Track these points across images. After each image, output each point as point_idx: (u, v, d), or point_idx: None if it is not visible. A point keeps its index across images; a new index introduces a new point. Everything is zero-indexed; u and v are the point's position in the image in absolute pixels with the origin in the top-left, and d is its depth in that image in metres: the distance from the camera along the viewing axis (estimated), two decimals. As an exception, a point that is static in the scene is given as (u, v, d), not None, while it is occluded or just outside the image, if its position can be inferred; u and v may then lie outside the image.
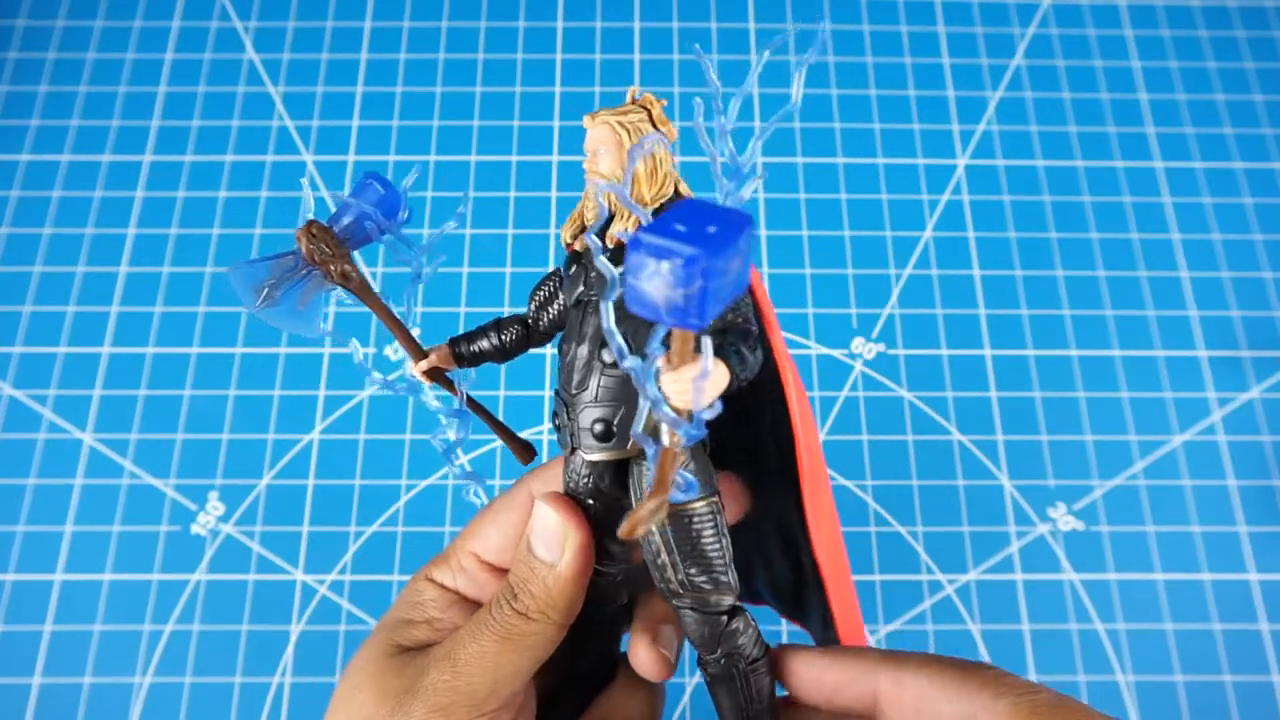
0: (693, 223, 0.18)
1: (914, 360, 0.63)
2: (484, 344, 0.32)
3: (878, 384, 0.62)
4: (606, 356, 0.28)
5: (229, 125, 0.69)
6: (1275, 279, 0.66)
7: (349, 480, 0.59)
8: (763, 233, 0.66)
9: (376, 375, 0.34)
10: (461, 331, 0.34)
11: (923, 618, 0.56)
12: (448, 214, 0.67)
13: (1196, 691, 0.55)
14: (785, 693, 0.30)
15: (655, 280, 0.18)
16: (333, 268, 0.30)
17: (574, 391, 0.29)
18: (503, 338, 0.32)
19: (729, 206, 0.20)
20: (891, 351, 0.63)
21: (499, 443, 0.61)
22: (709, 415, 0.22)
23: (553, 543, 0.29)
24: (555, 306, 0.31)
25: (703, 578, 0.28)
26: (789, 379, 0.29)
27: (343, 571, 0.57)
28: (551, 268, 0.33)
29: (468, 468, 0.32)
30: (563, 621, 0.29)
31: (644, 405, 0.22)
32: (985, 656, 0.55)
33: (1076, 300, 0.65)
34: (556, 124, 0.70)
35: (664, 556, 0.28)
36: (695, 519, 0.28)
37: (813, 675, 0.28)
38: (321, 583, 0.57)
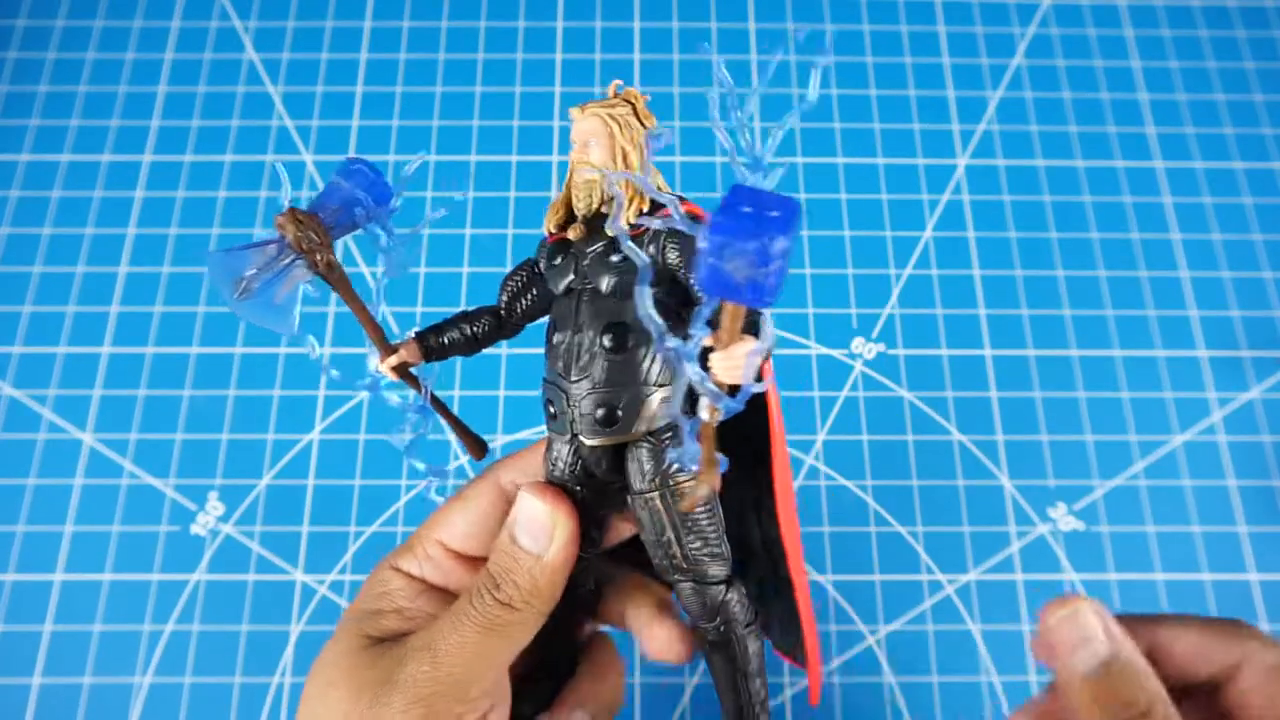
0: (756, 208, 0.20)
1: (914, 360, 0.63)
2: (454, 335, 0.32)
3: (878, 384, 0.62)
4: (608, 342, 0.28)
5: (229, 125, 0.69)
6: (1275, 279, 0.66)
7: (349, 480, 0.59)
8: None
9: (335, 373, 0.34)
10: (439, 321, 0.34)
11: (923, 618, 0.56)
12: (448, 214, 0.67)
13: (1196, 691, 0.55)
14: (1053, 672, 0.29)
15: (738, 260, 0.20)
16: (319, 257, 0.28)
17: (573, 379, 0.29)
18: (474, 329, 0.32)
19: (780, 193, 0.21)
20: (891, 351, 0.63)
21: (499, 442, 0.61)
22: (758, 388, 0.23)
23: (540, 533, 0.29)
24: (529, 297, 0.32)
25: (704, 551, 0.29)
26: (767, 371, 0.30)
27: (343, 571, 0.57)
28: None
29: (424, 465, 0.32)
30: (545, 610, 0.30)
31: (680, 385, 0.23)
32: (985, 657, 0.55)
33: (1076, 300, 0.65)
34: (556, 124, 0.70)
35: (669, 534, 0.29)
36: (708, 496, 0.30)
37: (1187, 641, 0.30)
38: (321, 583, 0.57)
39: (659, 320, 0.22)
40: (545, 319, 0.33)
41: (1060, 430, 0.61)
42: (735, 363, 0.23)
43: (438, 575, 0.33)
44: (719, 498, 0.31)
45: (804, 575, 0.31)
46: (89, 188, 0.67)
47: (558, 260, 0.30)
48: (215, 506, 0.58)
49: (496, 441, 0.60)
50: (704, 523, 0.29)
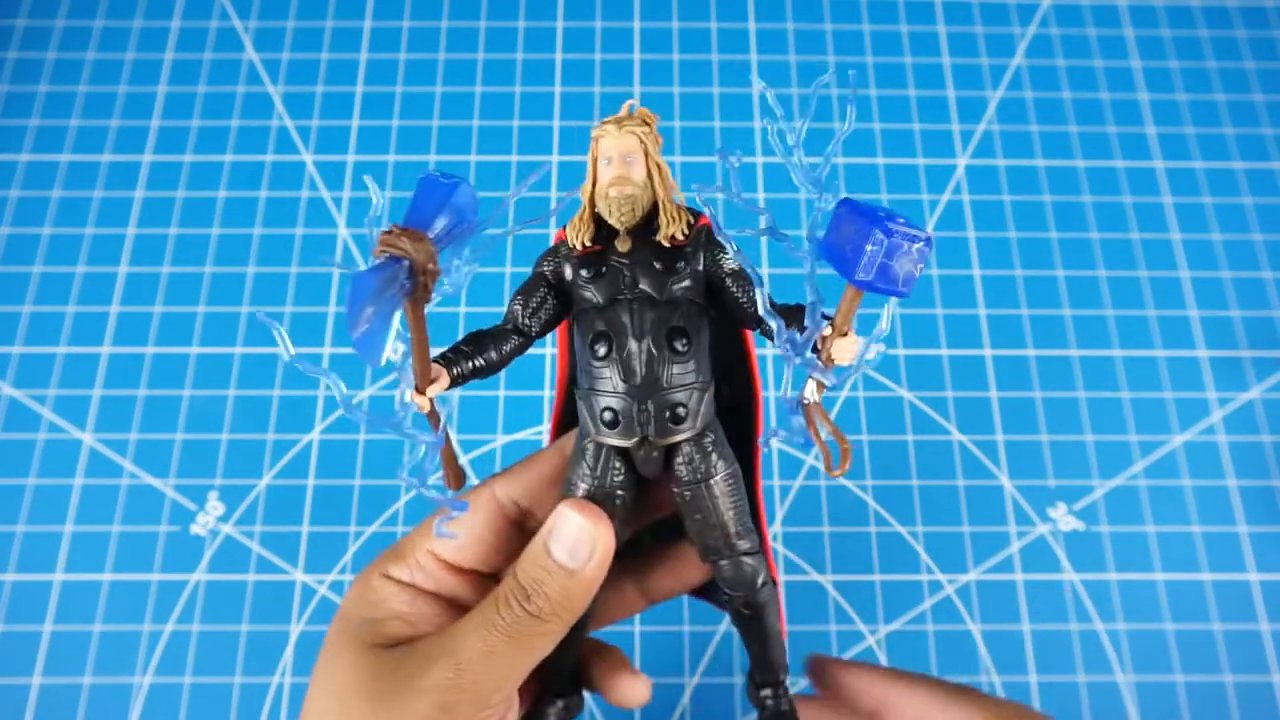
0: (890, 217, 0.24)
1: (914, 360, 0.63)
2: (480, 361, 0.32)
3: (878, 384, 0.62)
4: (681, 346, 0.30)
5: (228, 125, 0.69)
6: (1275, 279, 0.66)
7: (349, 480, 0.59)
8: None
9: (362, 410, 0.31)
10: (458, 345, 0.33)
11: (923, 618, 0.56)
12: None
13: (1196, 691, 0.55)
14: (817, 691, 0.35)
15: (905, 259, 0.24)
16: (432, 284, 0.27)
17: (642, 384, 0.30)
18: (504, 350, 0.32)
19: (880, 204, 0.26)
20: (891, 351, 0.63)
21: (499, 442, 0.61)
22: (857, 368, 0.28)
23: (578, 548, 0.29)
24: (547, 310, 0.32)
25: (744, 529, 0.32)
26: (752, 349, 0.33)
27: (343, 571, 0.57)
28: (536, 269, 0.33)
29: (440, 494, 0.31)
30: (571, 622, 0.30)
31: (789, 373, 0.28)
32: (985, 657, 0.55)
33: (1076, 300, 0.65)
34: (556, 124, 0.70)
35: (727, 515, 0.31)
36: (738, 479, 0.32)
37: (850, 680, 0.34)
38: (321, 583, 0.57)
39: (779, 317, 0.28)
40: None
41: (1060, 430, 0.61)
42: (854, 348, 0.28)
43: (430, 583, 0.32)
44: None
45: (768, 538, 0.34)
46: (89, 188, 0.67)
47: (602, 271, 0.31)
48: (215, 506, 0.58)
49: (497, 442, 0.60)
50: (743, 503, 0.32)
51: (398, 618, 0.31)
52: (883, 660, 0.55)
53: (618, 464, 0.31)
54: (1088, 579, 0.57)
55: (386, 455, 0.60)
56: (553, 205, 0.32)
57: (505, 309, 0.32)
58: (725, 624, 0.56)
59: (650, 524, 0.36)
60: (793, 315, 0.29)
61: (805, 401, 0.29)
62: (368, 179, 0.25)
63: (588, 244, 0.31)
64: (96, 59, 0.71)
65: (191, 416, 0.60)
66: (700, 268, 0.31)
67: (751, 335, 0.34)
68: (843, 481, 0.60)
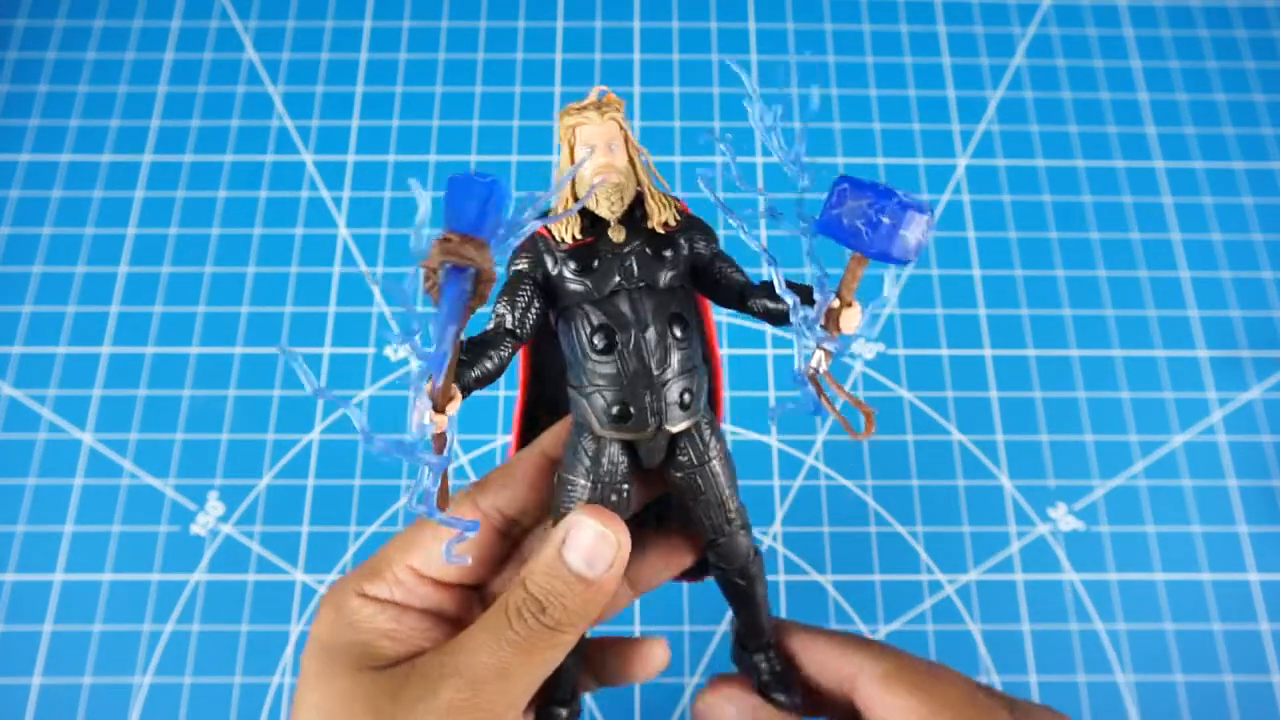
0: (893, 191, 0.26)
1: (914, 360, 0.63)
2: (479, 371, 0.30)
3: (878, 384, 0.62)
4: (679, 332, 0.30)
5: (228, 125, 0.69)
6: (1275, 279, 0.66)
7: (349, 480, 0.59)
8: (763, 233, 0.66)
9: (382, 441, 0.27)
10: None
11: (923, 618, 0.56)
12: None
13: (1196, 691, 0.55)
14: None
15: (915, 229, 0.27)
16: (488, 291, 0.25)
17: (655, 372, 0.30)
18: (501, 356, 0.30)
19: (877, 179, 0.28)
20: (891, 351, 0.63)
21: (498, 442, 0.61)
22: (859, 336, 0.30)
23: (596, 557, 0.28)
24: (535, 309, 0.31)
25: (738, 503, 0.33)
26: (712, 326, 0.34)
27: (342, 571, 0.57)
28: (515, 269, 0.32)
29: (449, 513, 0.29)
30: (587, 630, 0.29)
31: (800, 346, 0.29)
32: (985, 657, 0.55)
33: (1076, 300, 0.65)
34: (556, 124, 0.70)
35: (727, 492, 0.32)
36: (730, 454, 0.33)
37: (814, 654, 0.34)
38: (321, 583, 0.57)
39: (793, 295, 0.29)
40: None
41: (1060, 430, 0.61)
42: (858, 317, 0.30)
43: (412, 599, 0.31)
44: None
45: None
46: (89, 188, 0.67)
47: (595, 264, 0.30)
48: (215, 506, 0.58)
49: (497, 442, 0.60)
50: (734, 476, 0.33)
51: (386, 636, 0.29)
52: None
53: (620, 457, 0.31)
54: (1088, 579, 0.57)
55: (386, 456, 0.60)
56: (577, 193, 0.30)
57: (491, 313, 0.31)
58: (725, 624, 0.56)
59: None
60: (797, 292, 0.30)
61: (815, 372, 0.30)
62: (413, 182, 0.23)
63: (579, 236, 0.30)
64: (96, 59, 0.71)
65: (191, 416, 0.60)
66: (687, 252, 0.31)
67: (708, 302, 0.34)
68: (843, 481, 0.60)
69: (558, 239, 0.30)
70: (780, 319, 0.31)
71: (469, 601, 0.32)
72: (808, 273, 0.30)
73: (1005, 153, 0.70)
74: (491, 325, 0.30)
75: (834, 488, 0.59)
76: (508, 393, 0.62)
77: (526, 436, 0.35)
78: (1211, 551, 0.58)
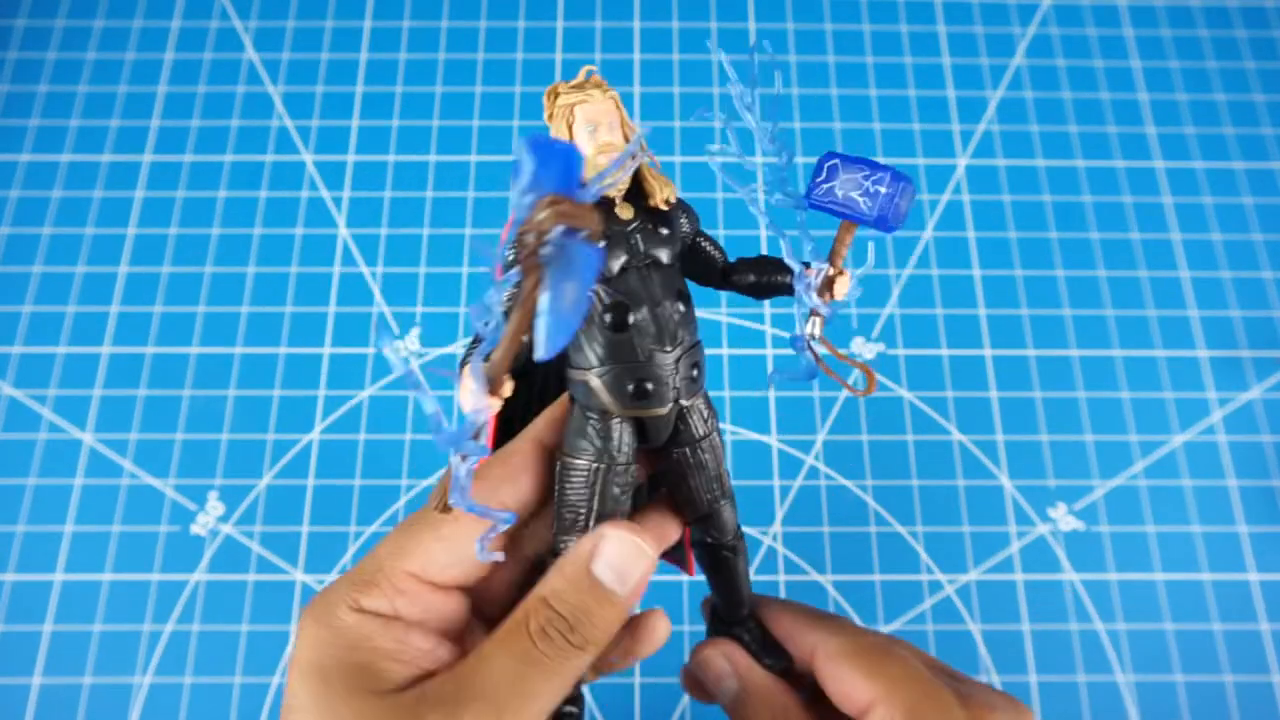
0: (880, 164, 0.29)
1: (914, 360, 0.63)
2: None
3: (878, 384, 0.62)
4: (683, 307, 0.31)
5: (228, 125, 0.69)
6: (1275, 279, 0.66)
7: (349, 480, 0.59)
8: (762, 232, 0.66)
9: (451, 430, 0.25)
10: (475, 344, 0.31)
11: (923, 618, 0.56)
12: (447, 214, 0.67)
13: (1196, 691, 0.55)
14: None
15: (905, 199, 0.29)
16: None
17: (668, 348, 0.30)
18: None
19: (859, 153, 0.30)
20: (891, 351, 0.63)
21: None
22: (848, 300, 0.32)
23: (629, 573, 0.27)
24: None
25: (727, 474, 0.33)
26: None
27: (342, 571, 0.57)
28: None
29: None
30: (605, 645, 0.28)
31: (803, 313, 0.31)
32: (985, 656, 0.55)
33: (1076, 300, 0.65)
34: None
35: (721, 468, 0.32)
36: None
37: (781, 627, 0.34)
38: (321, 583, 0.57)
39: (798, 264, 0.31)
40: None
41: (1060, 430, 0.61)
42: (848, 283, 0.31)
43: (415, 611, 0.28)
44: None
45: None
46: (89, 188, 0.67)
47: (602, 243, 0.30)
48: (215, 506, 0.58)
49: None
50: (722, 448, 0.33)
51: (389, 657, 0.27)
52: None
53: (629, 437, 0.30)
54: (1088, 579, 0.57)
55: (386, 455, 0.60)
56: (634, 155, 0.28)
57: (502, 297, 0.30)
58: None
59: None
60: (772, 264, 0.32)
61: (810, 337, 0.31)
62: (521, 145, 0.21)
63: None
64: (96, 59, 0.71)
65: (191, 416, 0.60)
66: (684, 231, 0.32)
67: None
68: (843, 481, 0.60)
69: None
70: (763, 291, 0.32)
71: (466, 612, 0.31)
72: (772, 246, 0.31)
73: (1005, 153, 0.70)
74: (508, 307, 0.30)
75: (834, 488, 0.59)
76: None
77: (501, 433, 0.34)
78: (1211, 551, 0.58)
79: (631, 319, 0.30)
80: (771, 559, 0.58)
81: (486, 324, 0.23)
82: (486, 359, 0.24)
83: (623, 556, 0.27)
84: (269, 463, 0.59)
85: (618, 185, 0.30)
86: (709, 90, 0.71)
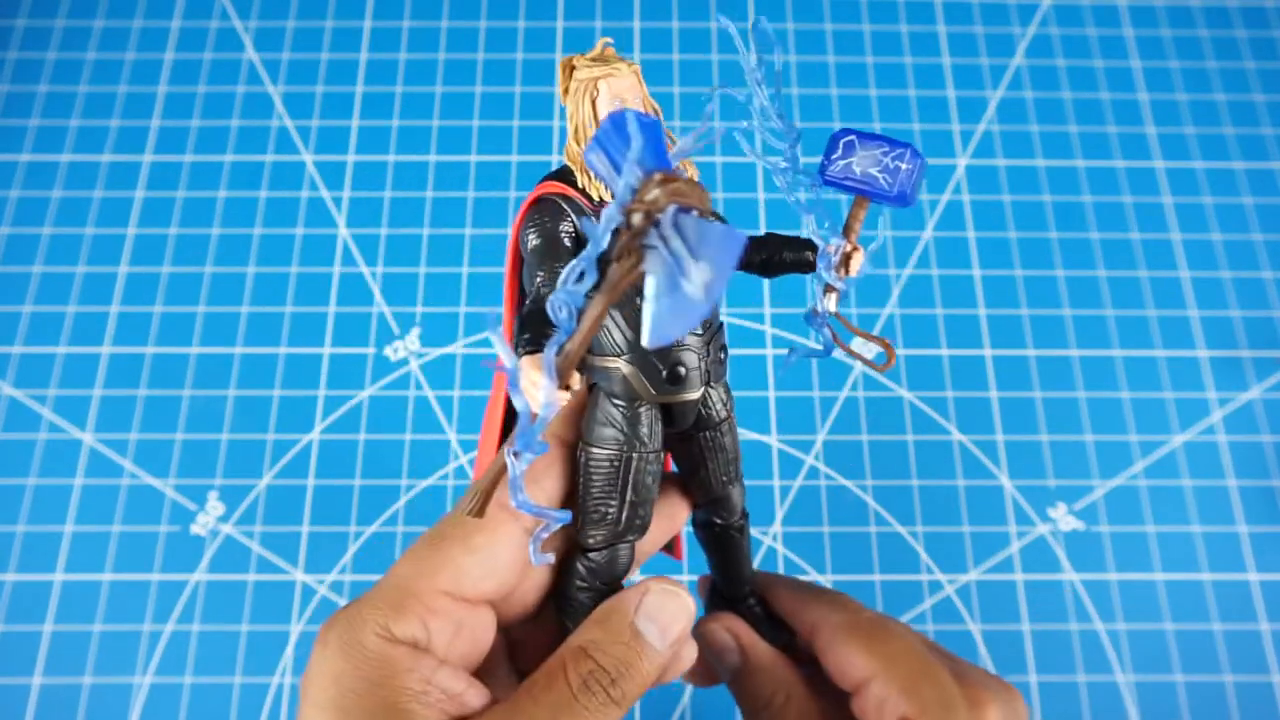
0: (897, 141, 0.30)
1: (914, 360, 0.63)
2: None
3: (878, 384, 0.62)
4: None
5: (228, 125, 0.69)
6: (1275, 279, 0.66)
7: (349, 480, 0.59)
8: (762, 232, 0.66)
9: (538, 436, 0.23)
10: (522, 334, 0.29)
11: (923, 618, 0.56)
12: (447, 214, 0.67)
13: (1196, 691, 0.55)
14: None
15: (920, 176, 0.30)
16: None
17: (699, 331, 0.29)
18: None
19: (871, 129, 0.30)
20: (891, 351, 0.63)
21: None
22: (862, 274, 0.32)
23: (671, 629, 0.27)
24: None
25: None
26: None
27: (343, 571, 0.57)
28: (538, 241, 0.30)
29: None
30: None
31: (818, 287, 0.32)
32: (985, 656, 0.55)
33: (1076, 300, 0.65)
34: (556, 124, 0.70)
35: (738, 449, 0.32)
36: None
37: (782, 605, 0.35)
38: (321, 583, 0.57)
39: (822, 241, 0.31)
40: None
41: (1060, 430, 0.61)
42: (861, 259, 0.31)
43: (445, 631, 0.26)
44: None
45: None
46: (89, 188, 0.67)
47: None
48: (215, 506, 0.58)
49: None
50: None
51: (416, 700, 0.24)
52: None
53: (657, 423, 0.29)
54: (1088, 579, 0.57)
55: (387, 455, 0.60)
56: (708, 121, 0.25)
57: (536, 282, 0.29)
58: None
59: None
60: (787, 242, 0.32)
61: (822, 312, 0.32)
62: (628, 118, 0.20)
63: (607, 197, 0.29)
64: (96, 59, 0.71)
65: (191, 416, 0.60)
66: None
67: None
68: (843, 481, 0.60)
69: (595, 199, 0.29)
70: (772, 269, 0.32)
71: (494, 632, 0.29)
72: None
73: (1005, 153, 0.70)
74: (545, 293, 0.28)
75: (834, 488, 0.59)
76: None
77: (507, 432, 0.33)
78: (1211, 551, 0.58)
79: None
80: (771, 559, 0.58)
81: (566, 312, 0.22)
82: (560, 350, 0.22)
83: (665, 611, 0.27)
84: (269, 463, 0.59)
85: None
86: (709, 90, 0.71)
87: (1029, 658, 0.55)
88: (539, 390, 0.22)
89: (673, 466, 0.34)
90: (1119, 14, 0.75)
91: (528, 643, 0.31)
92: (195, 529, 0.58)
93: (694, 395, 0.29)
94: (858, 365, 0.63)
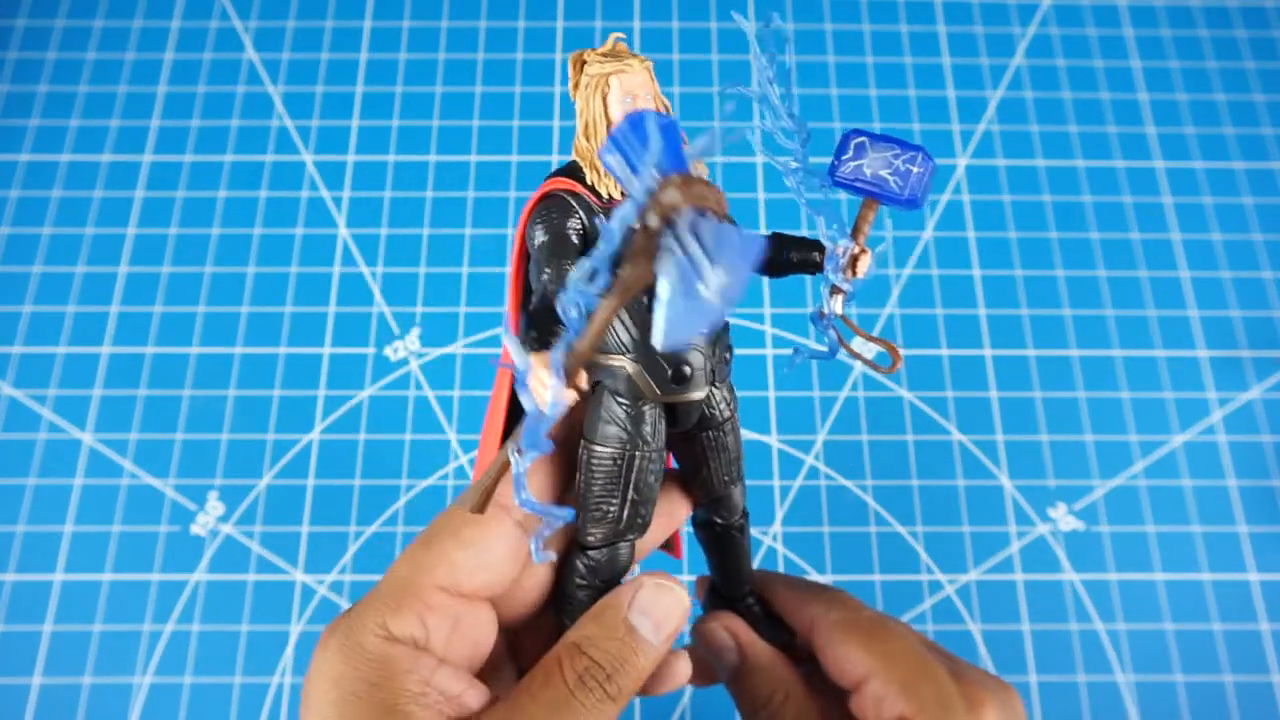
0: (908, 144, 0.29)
1: (914, 360, 0.63)
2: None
3: (878, 384, 0.62)
4: None
5: (228, 125, 0.69)
6: (1275, 279, 0.66)
7: (349, 480, 0.59)
8: (764, 232, 0.66)
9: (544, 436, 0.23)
10: (531, 333, 0.30)
11: (923, 618, 0.56)
12: (447, 214, 0.67)
13: (1196, 691, 0.55)
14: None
15: (930, 178, 0.29)
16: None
17: (705, 331, 0.29)
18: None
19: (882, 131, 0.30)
20: (891, 351, 0.63)
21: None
22: (868, 276, 0.32)
23: (666, 624, 0.27)
24: None
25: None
26: None
27: (342, 571, 0.57)
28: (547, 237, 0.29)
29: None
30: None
31: (825, 288, 0.31)
32: (985, 656, 0.55)
33: (1076, 300, 0.65)
34: (556, 124, 0.70)
35: (740, 449, 0.32)
36: None
37: (781, 602, 0.35)
38: (321, 583, 0.57)
39: (830, 242, 0.30)
40: None
41: (1060, 430, 0.61)
42: (869, 261, 0.31)
43: (444, 627, 0.26)
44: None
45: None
46: (89, 188, 0.67)
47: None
48: (215, 506, 0.58)
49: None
50: None
51: (415, 701, 0.24)
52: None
53: (660, 422, 0.29)
54: (1088, 579, 0.57)
55: (387, 455, 0.60)
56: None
57: (542, 279, 0.28)
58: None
59: None
60: (797, 243, 0.32)
61: (828, 313, 0.32)
62: (647, 119, 0.20)
63: (616, 195, 0.28)
64: (96, 59, 0.71)
65: (191, 416, 0.60)
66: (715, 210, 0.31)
67: None
68: (843, 481, 0.60)
69: (605, 196, 0.29)
70: (780, 270, 0.32)
71: (496, 633, 0.29)
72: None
73: (1005, 153, 0.70)
74: (553, 290, 0.28)
75: (834, 488, 0.59)
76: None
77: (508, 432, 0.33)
78: (1211, 551, 0.58)
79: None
80: (771, 559, 0.58)
81: (576, 311, 0.22)
82: (569, 349, 0.22)
83: (659, 606, 0.27)
84: (269, 463, 0.59)
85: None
86: (709, 90, 0.71)
87: (1029, 658, 0.55)
88: (547, 389, 0.22)
89: (674, 464, 0.34)
90: (1119, 14, 0.75)
91: (531, 643, 0.31)
92: (195, 529, 0.58)
93: (698, 395, 0.29)
94: (861, 366, 0.62)
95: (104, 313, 0.63)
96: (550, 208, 0.28)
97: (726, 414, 0.31)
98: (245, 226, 0.66)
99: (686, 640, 0.39)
